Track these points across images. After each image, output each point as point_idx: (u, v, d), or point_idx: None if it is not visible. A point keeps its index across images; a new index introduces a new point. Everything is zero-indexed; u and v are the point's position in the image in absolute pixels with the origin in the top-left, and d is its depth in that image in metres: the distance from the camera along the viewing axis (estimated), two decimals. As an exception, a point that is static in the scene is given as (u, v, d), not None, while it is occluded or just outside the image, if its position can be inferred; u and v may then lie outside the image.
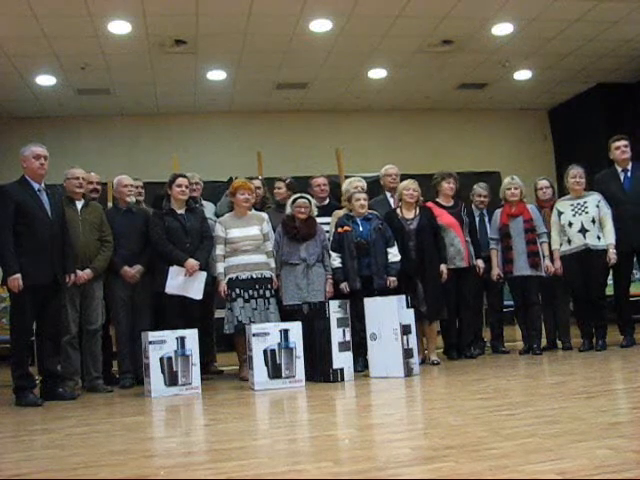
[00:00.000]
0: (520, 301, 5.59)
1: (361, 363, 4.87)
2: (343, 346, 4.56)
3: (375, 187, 6.08)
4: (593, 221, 5.33)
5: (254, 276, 4.93)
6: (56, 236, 4.30)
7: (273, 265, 5.04)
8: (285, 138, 9.74)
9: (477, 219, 5.83)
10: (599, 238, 5.31)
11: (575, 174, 5.45)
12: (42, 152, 4.32)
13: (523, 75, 9.14)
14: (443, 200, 5.64)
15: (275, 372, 4.37)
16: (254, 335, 4.39)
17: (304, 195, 5.23)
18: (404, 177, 5.61)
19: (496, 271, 5.56)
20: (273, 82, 8.87)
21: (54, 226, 4.30)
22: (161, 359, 4.37)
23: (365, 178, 5.82)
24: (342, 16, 7.00)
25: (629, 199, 5.43)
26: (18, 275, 4.07)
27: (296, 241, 5.05)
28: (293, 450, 2.54)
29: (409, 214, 5.32)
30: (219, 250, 4.99)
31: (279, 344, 4.40)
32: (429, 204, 5.53)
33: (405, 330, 4.53)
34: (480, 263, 5.56)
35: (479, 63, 8.57)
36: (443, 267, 5.27)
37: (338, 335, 4.55)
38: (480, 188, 5.95)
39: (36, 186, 4.30)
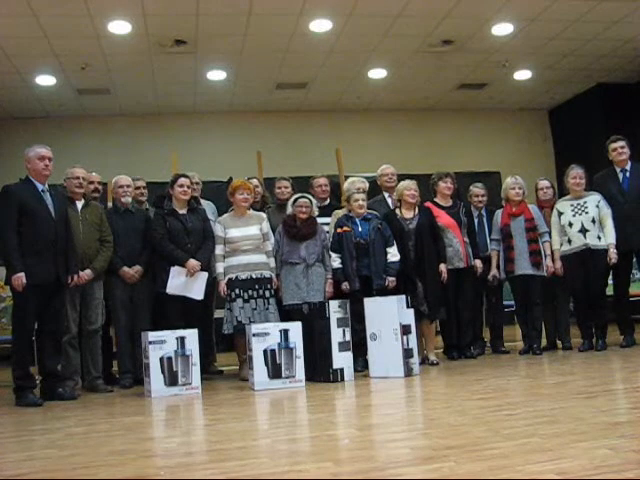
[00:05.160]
0: (521, 301, 5.59)
1: (361, 363, 4.87)
2: (343, 346, 4.56)
3: (374, 187, 6.07)
4: (593, 221, 5.33)
5: (254, 276, 4.92)
6: (59, 236, 4.30)
7: (273, 265, 5.04)
8: (285, 138, 9.75)
9: (476, 219, 5.83)
10: (599, 238, 5.31)
11: (575, 175, 5.45)
12: (46, 153, 4.32)
13: (523, 75, 9.14)
14: (441, 200, 5.63)
15: (275, 372, 4.37)
16: (254, 335, 4.39)
17: (305, 195, 5.23)
18: (404, 177, 5.60)
19: (493, 272, 5.57)
20: (273, 82, 8.87)
21: (57, 226, 4.30)
22: (161, 359, 4.37)
23: (365, 178, 5.81)
24: (342, 16, 7.00)
25: (628, 199, 5.43)
26: (22, 274, 4.08)
27: (296, 240, 5.05)
28: (293, 450, 2.54)
29: (408, 214, 5.32)
30: (219, 250, 4.99)
31: (279, 344, 4.40)
32: (428, 204, 5.53)
33: (405, 330, 4.53)
34: (478, 263, 5.56)
35: (479, 63, 8.57)
36: (443, 267, 5.26)
37: (338, 335, 4.55)
38: (477, 188, 5.95)
39: (40, 187, 4.31)
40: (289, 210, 5.16)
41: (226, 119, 9.84)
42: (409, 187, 5.32)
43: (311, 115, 9.97)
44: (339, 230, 5.11)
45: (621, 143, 5.53)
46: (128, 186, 5.16)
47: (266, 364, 4.37)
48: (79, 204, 4.84)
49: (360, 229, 5.10)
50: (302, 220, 5.08)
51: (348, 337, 4.59)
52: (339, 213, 5.37)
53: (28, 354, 4.35)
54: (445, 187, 5.63)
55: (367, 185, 5.62)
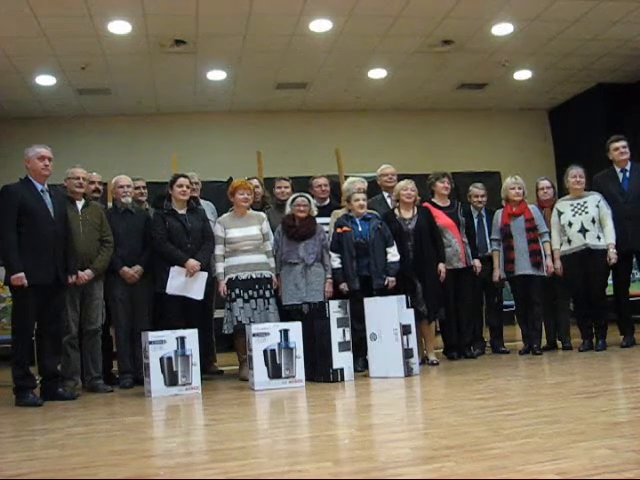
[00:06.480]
0: (521, 301, 5.59)
1: (361, 363, 4.87)
2: (343, 346, 4.56)
3: (374, 187, 6.07)
4: (593, 221, 5.33)
5: (254, 276, 4.92)
6: (59, 236, 4.30)
7: (273, 265, 5.04)
8: (285, 138, 9.74)
9: (476, 219, 5.83)
10: (599, 238, 5.31)
11: (575, 174, 5.45)
12: (46, 153, 4.32)
13: (523, 75, 9.15)
14: (439, 200, 5.63)
15: (275, 372, 4.37)
16: (254, 335, 4.39)
17: (303, 194, 5.24)
18: (404, 177, 5.60)
19: (497, 273, 5.57)
20: (273, 82, 8.87)
21: (57, 226, 4.30)
22: (161, 359, 4.37)
23: (365, 178, 5.81)
24: (342, 16, 7.00)
25: (628, 199, 5.43)
26: (22, 274, 4.08)
27: (295, 240, 5.05)
28: (293, 450, 2.54)
29: (407, 214, 5.32)
30: (219, 250, 4.99)
31: (279, 344, 4.40)
32: (426, 205, 5.52)
33: (405, 330, 4.53)
34: (477, 263, 5.56)
35: (479, 63, 8.57)
36: (442, 266, 5.26)
37: (338, 335, 4.55)
38: (476, 188, 5.95)
39: (39, 187, 4.31)
40: (287, 210, 5.17)
41: (226, 119, 9.84)
42: (405, 187, 5.32)
43: (311, 115, 9.97)
44: (339, 230, 5.11)
45: (623, 143, 5.53)
46: (128, 186, 5.16)
47: (266, 364, 4.36)
48: (79, 204, 4.84)
49: (360, 229, 5.10)
50: (301, 219, 5.08)
51: (348, 337, 4.59)
52: (338, 213, 5.37)
53: (28, 354, 4.34)
54: (442, 187, 5.63)
55: (366, 185, 5.62)
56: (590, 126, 9.44)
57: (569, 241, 5.39)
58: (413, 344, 4.59)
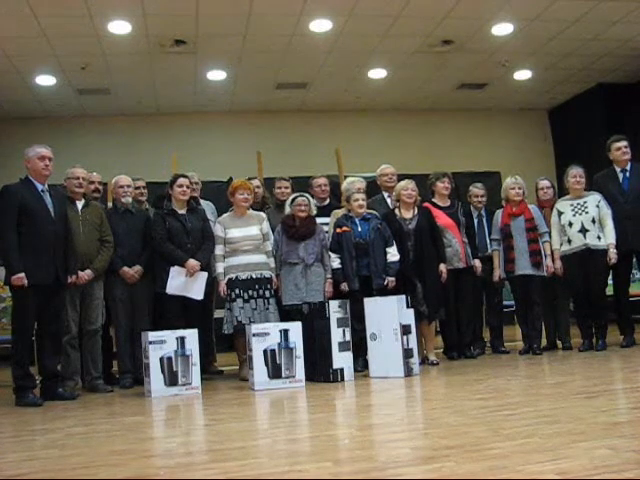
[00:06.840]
0: (521, 301, 5.59)
1: (361, 363, 4.87)
2: (343, 346, 4.56)
3: (374, 187, 6.07)
4: (593, 221, 5.33)
5: (254, 276, 4.92)
6: (59, 236, 4.30)
7: (273, 265, 5.04)
8: (285, 138, 9.75)
9: (476, 220, 5.83)
10: (599, 238, 5.31)
11: (575, 174, 5.45)
12: (47, 153, 4.32)
13: (523, 75, 9.15)
14: (439, 200, 5.63)
15: (275, 372, 4.37)
16: (254, 335, 4.39)
17: (303, 194, 5.24)
18: (404, 177, 5.60)
19: (497, 272, 5.57)
20: (273, 82, 8.88)
21: (57, 226, 4.30)
22: (161, 359, 4.37)
23: (364, 178, 5.82)
24: (342, 16, 7.01)
25: (628, 199, 5.43)
26: (22, 274, 4.08)
27: (295, 240, 5.05)
28: (293, 450, 2.54)
29: (407, 214, 5.32)
30: (219, 250, 4.99)
31: (279, 344, 4.40)
32: (426, 205, 5.52)
33: (405, 330, 4.53)
34: (477, 263, 5.56)
35: (479, 63, 8.57)
36: (442, 267, 5.26)
37: (338, 335, 4.55)
38: (476, 188, 5.95)
39: (40, 187, 4.31)
40: (287, 210, 5.17)
41: (226, 119, 9.84)
42: (406, 187, 5.32)
43: (311, 115, 9.97)
44: (338, 230, 5.11)
45: (625, 142, 5.54)
46: (128, 186, 5.16)
47: (266, 364, 4.37)
48: (79, 204, 4.84)
49: (360, 229, 5.10)
50: (301, 219, 5.08)
51: (348, 337, 4.59)
52: (338, 213, 5.37)
53: (28, 354, 4.34)
54: (443, 187, 5.63)
55: (365, 185, 5.62)
56: (590, 126, 9.44)
57: (569, 241, 5.39)
58: (413, 344, 4.59)
